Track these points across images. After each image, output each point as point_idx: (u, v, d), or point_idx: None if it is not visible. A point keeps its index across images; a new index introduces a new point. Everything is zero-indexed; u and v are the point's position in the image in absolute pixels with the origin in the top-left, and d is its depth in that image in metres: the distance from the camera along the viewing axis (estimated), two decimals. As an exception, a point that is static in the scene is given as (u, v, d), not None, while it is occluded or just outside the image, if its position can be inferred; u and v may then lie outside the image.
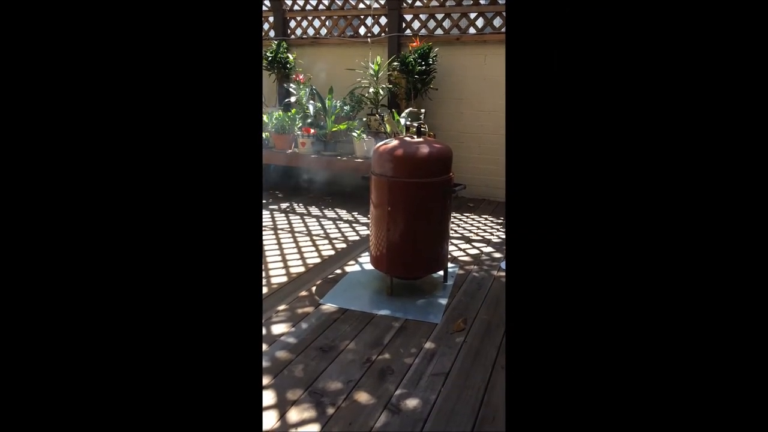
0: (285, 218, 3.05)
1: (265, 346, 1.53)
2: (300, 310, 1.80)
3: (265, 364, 1.43)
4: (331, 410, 1.24)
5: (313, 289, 2.00)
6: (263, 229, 2.80)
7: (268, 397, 1.28)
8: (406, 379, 1.38)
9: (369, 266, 2.22)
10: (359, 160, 3.29)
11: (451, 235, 2.23)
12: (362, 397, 1.30)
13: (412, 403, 1.28)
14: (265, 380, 1.35)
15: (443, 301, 1.91)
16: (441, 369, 1.44)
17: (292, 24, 4.07)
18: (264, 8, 4.13)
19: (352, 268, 2.25)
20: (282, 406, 1.25)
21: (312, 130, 3.47)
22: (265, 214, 3.14)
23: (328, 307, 1.84)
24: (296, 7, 4.00)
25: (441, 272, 2.09)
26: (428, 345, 1.57)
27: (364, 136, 3.32)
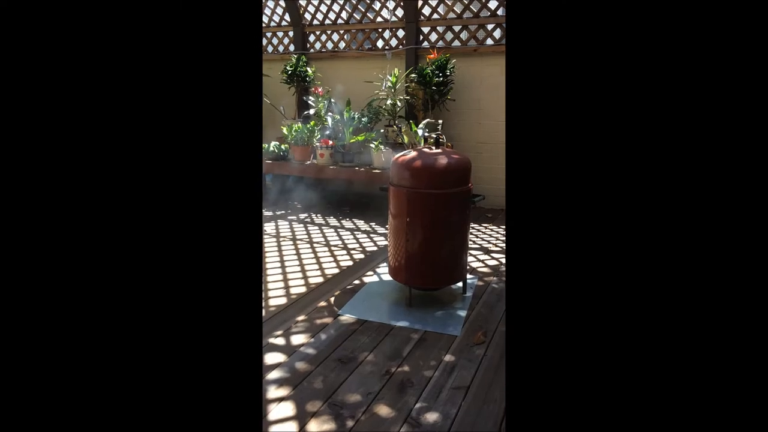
0: (303, 229, 3.07)
1: (284, 357, 1.54)
2: (319, 321, 1.81)
3: (284, 375, 1.44)
4: (350, 423, 1.23)
5: (332, 299, 2.00)
6: (282, 239, 2.83)
7: (288, 409, 1.28)
8: (426, 392, 1.36)
9: (387, 277, 2.21)
10: (377, 170, 3.30)
11: (470, 245, 2.22)
12: (382, 410, 1.29)
13: (432, 416, 1.26)
14: (285, 391, 1.35)
15: (462, 313, 1.88)
16: (461, 382, 1.41)
17: (312, 38, 4.15)
18: (284, 23, 4.22)
19: (370, 278, 2.25)
20: (302, 418, 1.24)
21: (330, 142, 3.51)
22: (284, 224, 3.17)
23: (347, 317, 1.83)
24: (315, 22, 4.08)
25: (460, 283, 2.07)
26: (448, 357, 1.55)
27: (382, 147, 3.34)
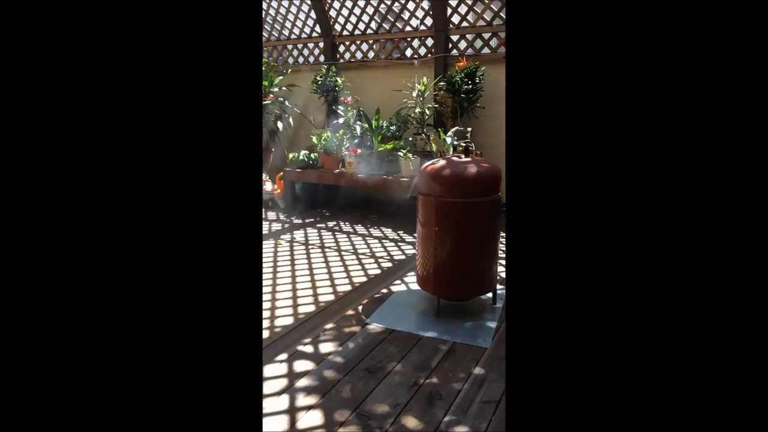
0: (332, 236, 3.10)
1: (312, 365, 1.54)
2: (347, 329, 1.81)
3: (313, 383, 1.44)
4: (378, 434, 1.22)
5: (360, 308, 2.00)
6: (311, 247, 2.86)
7: (316, 417, 1.28)
8: (455, 406, 1.34)
9: (415, 286, 2.19)
10: (405, 179, 3.30)
11: (500, 255, 2.18)
12: (410, 422, 1.27)
13: (461, 430, 1.23)
14: (313, 400, 1.36)
15: (492, 325, 1.84)
16: (491, 396, 1.38)
17: (341, 48, 4.22)
18: (314, 35, 4.31)
19: (398, 287, 2.24)
20: (330, 427, 1.24)
21: (359, 150, 3.54)
22: (313, 232, 3.21)
23: (375, 326, 1.83)
24: (345, 33, 4.14)
25: (490, 294, 2.03)
26: (477, 370, 1.52)
27: (410, 155, 3.34)
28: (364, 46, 4.11)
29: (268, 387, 1.42)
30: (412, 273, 2.41)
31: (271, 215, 3.76)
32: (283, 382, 1.44)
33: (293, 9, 4.24)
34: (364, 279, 2.35)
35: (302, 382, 1.44)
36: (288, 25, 4.38)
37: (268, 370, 1.52)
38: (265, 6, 4.30)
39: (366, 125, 3.64)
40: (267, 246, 2.89)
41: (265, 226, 3.41)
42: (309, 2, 4.05)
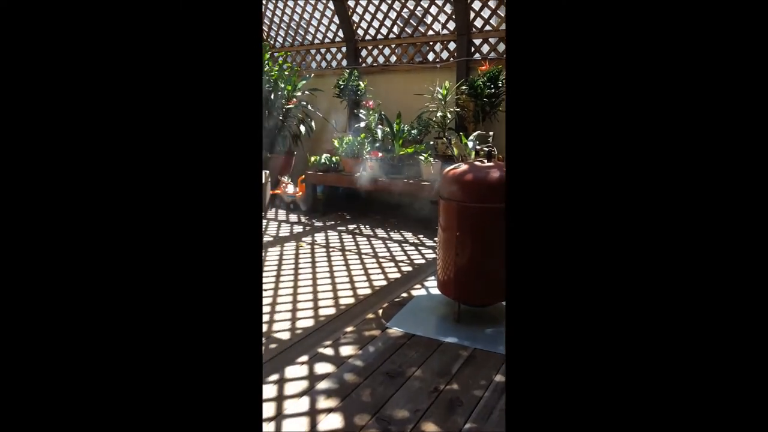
0: (352, 239, 3.12)
1: (333, 368, 1.55)
2: (367, 333, 1.81)
3: (333, 385, 1.45)
4: (398, 439, 1.22)
5: (380, 311, 2.01)
6: (331, 249, 2.88)
7: (336, 421, 1.29)
8: (475, 413, 1.32)
9: (436, 291, 2.18)
10: (426, 183, 3.30)
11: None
12: (430, 428, 1.26)
13: (482, 439, 1.22)
14: (334, 402, 1.37)
15: (514, 332, 1.82)
16: (513, 405, 1.36)
17: (364, 53, 4.25)
18: (337, 39, 4.35)
19: (418, 292, 2.24)
20: (350, 431, 1.25)
21: (380, 154, 3.56)
22: (333, 234, 3.24)
23: (395, 331, 1.83)
24: (368, 37, 4.17)
25: (511, 301, 2.00)
26: (498, 378, 1.50)
27: (432, 159, 3.33)
28: (387, 50, 4.13)
29: (289, 388, 1.43)
30: (433, 277, 2.40)
31: (293, 217, 3.81)
32: (303, 384, 1.46)
33: (317, 14, 4.30)
34: (384, 282, 2.35)
35: (323, 385, 1.45)
36: (311, 30, 4.43)
37: (290, 371, 1.53)
38: (288, 12, 4.37)
39: (387, 129, 3.65)
40: (288, 248, 2.92)
41: (287, 228, 3.46)
42: (332, 7, 4.10)
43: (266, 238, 3.16)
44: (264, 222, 3.65)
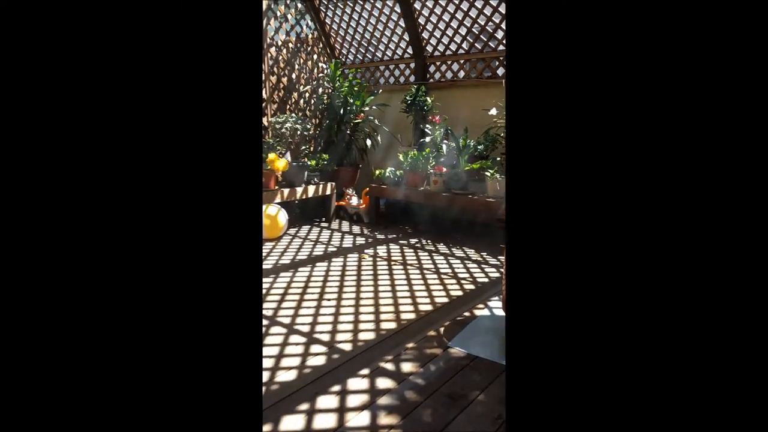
0: (414, 254, 3.11)
1: (394, 384, 1.55)
2: (428, 351, 1.79)
3: (394, 402, 1.45)
4: (459, 465, 1.18)
5: (441, 330, 1.97)
6: (393, 263, 2.89)
7: (397, 438, 1.28)
8: (543, 447, 1.25)
9: (500, 312, 2.11)
10: (491, 199, 3.22)
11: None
12: (493, 457, 1.21)
13: (550, 476, 1.15)
14: (395, 420, 1.36)
15: (586, 363, 1.71)
16: (585, 443, 1.27)
17: (432, 68, 4.28)
18: (406, 56, 4.43)
19: (481, 311, 2.18)
20: (410, 450, 1.23)
21: (444, 169, 3.54)
22: (395, 248, 3.25)
23: (457, 351, 1.79)
24: (437, 53, 4.20)
25: (583, 329, 1.88)
26: (569, 411, 1.41)
27: (497, 175, 3.26)
28: (455, 66, 4.13)
29: (351, 400, 1.45)
30: (496, 297, 2.33)
31: (356, 229, 3.89)
32: (364, 398, 1.46)
33: (387, 32, 4.41)
34: (445, 300, 2.31)
35: (383, 400, 1.45)
36: (381, 47, 4.55)
37: (351, 383, 1.55)
38: (360, 30, 4.52)
39: (453, 144, 3.63)
40: (351, 259, 2.98)
41: (349, 239, 3.53)
42: (403, 25, 4.18)
43: (330, 249, 3.25)
44: (328, 232, 3.76)
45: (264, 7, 4.13)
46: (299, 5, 4.48)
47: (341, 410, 1.40)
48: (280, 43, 4.38)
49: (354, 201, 4.16)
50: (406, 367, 1.66)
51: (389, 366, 1.67)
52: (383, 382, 1.56)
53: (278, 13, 4.29)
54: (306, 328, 1.98)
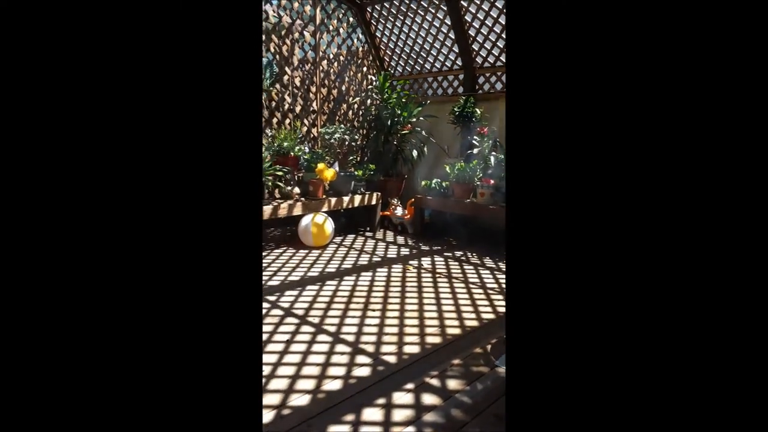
0: (459, 267, 3.07)
1: (440, 401, 1.53)
2: (475, 369, 1.75)
3: (440, 419, 1.42)
4: (509, 492, 1.14)
5: (488, 347, 1.93)
6: (438, 275, 2.87)
7: (443, 457, 1.26)
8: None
9: (550, 332, 2.03)
10: (541, 214, 3.12)
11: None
12: (545, 486, 1.16)
13: None
14: (440, 437, 1.34)
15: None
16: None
17: (481, 80, 4.24)
18: (455, 68, 4.41)
19: (530, 331, 2.10)
20: (456, 471, 1.21)
21: (492, 181, 3.48)
22: (440, 260, 3.22)
23: (504, 370, 1.74)
24: (486, 64, 4.16)
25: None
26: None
27: (549, 189, 3.16)
28: (505, 77, 4.07)
29: (396, 415, 1.44)
30: (546, 317, 2.25)
31: (400, 239, 3.89)
32: (410, 413, 1.45)
33: (437, 44, 4.42)
34: (492, 316, 2.26)
35: (429, 417, 1.43)
36: (430, 59, 4.56)
37: (397, 397, 1.54)
38: (410, 42, 4.56)
39: (501, 156, 3.56)
40: (395, 269, 2.98)
41: (394, 250, 3.54)
42: (453, 37, 4.18)
43: (375, 258, 3.27)
44: (372, 242, 3.79)
45: (317, 21, 4.28)
46: (351, 19, 4.59)
47: (386, 424, 1.39)
48: (331, 56, 4.50)
49: (399, 211, 4.17)
50: (452, 384, 1.63)
51: (435, 382, 1.65)
52: (429, 398, 1.54)
53: (330, 27, 4.42)
54: (351, 338, 1.99)
